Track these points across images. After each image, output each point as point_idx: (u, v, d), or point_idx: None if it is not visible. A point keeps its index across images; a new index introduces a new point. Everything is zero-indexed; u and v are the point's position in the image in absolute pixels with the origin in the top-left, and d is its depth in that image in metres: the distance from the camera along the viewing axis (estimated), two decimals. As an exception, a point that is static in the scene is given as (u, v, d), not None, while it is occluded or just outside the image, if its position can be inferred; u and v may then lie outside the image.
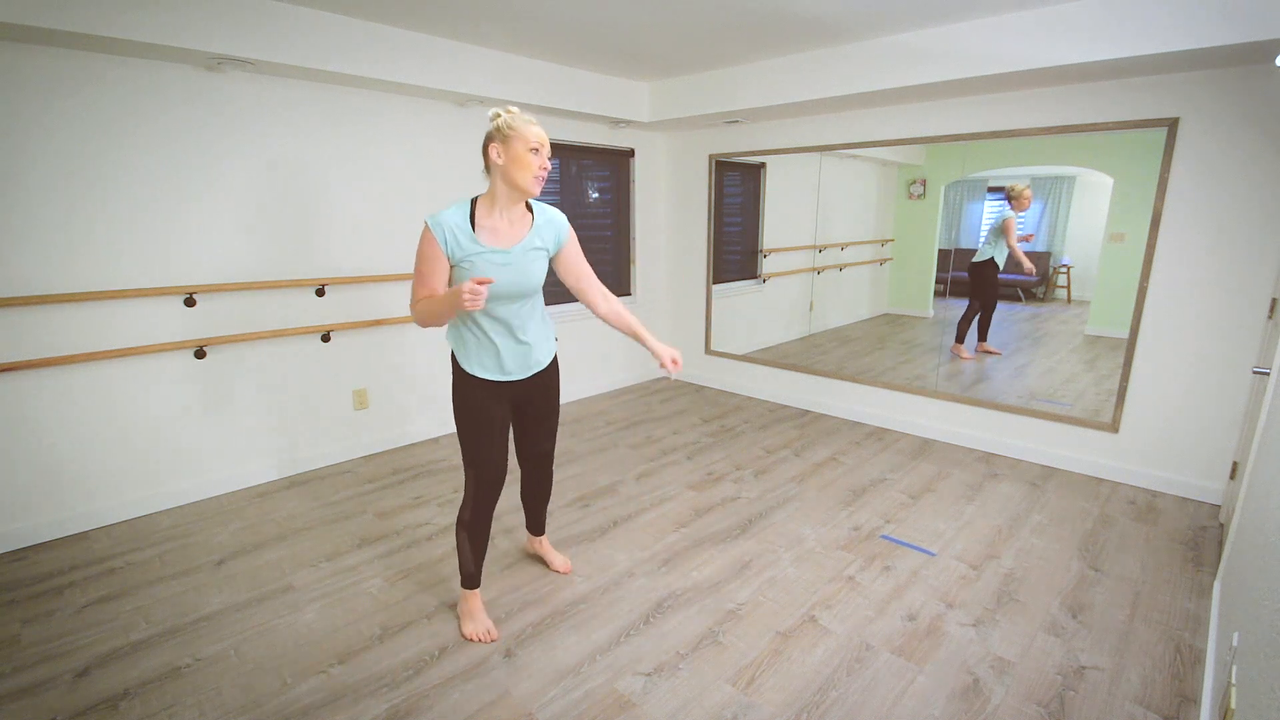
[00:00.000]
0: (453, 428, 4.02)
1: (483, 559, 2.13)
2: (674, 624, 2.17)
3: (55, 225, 2.59)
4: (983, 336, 4.11)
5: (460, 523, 2.07)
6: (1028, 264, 3.94)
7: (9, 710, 1.79)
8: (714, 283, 5.04)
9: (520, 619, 2.20)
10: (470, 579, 2.13)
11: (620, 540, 2.72)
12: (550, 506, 3.02)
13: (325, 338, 3.41)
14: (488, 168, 1.85)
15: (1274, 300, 2.70)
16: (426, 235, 1.81)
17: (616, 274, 5.04)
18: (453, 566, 2.51)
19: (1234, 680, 1.35)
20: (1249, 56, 2.58)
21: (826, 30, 3.15)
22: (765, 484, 3.28)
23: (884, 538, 2.73)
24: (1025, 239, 3.96)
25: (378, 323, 3.57)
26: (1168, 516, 2.94)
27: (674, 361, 2.01)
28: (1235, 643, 1.49)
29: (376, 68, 3.09)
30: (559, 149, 4.42)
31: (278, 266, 3.20)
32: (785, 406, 4.63)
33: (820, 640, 2.08)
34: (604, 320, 2.13)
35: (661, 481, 3.31)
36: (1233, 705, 1.26)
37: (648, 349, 2.06)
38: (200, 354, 3.00)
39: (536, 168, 1.81)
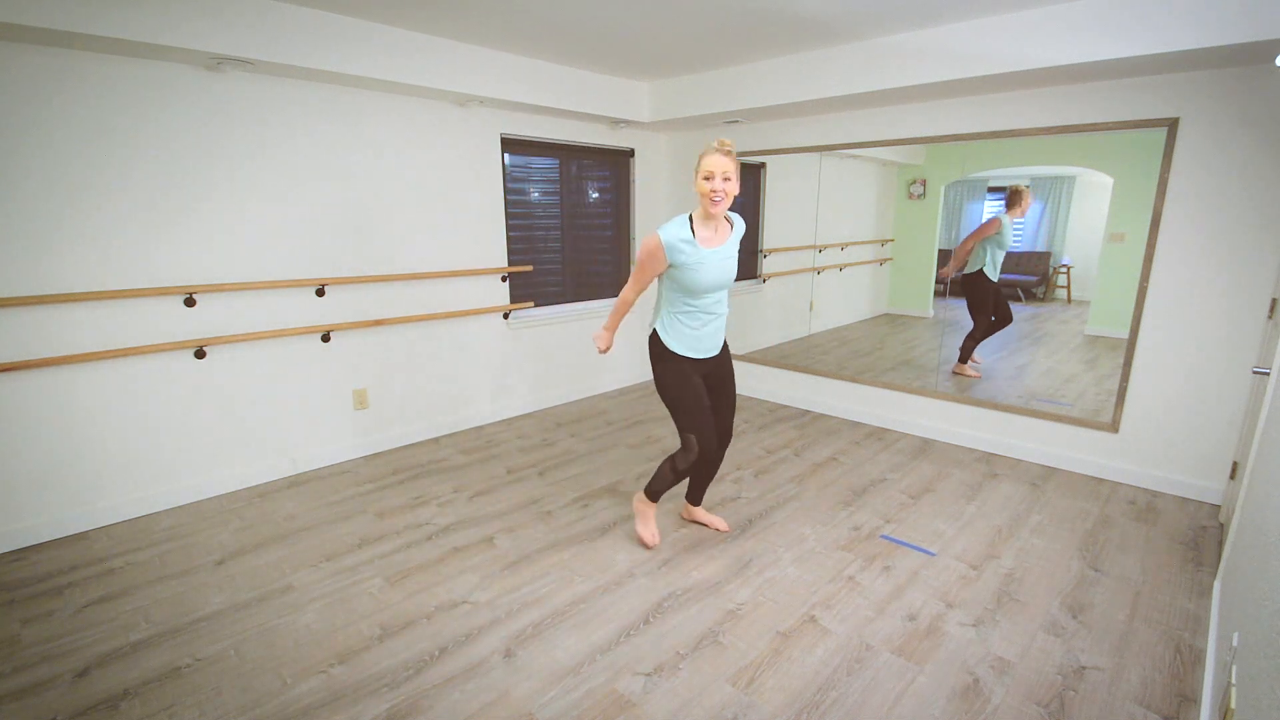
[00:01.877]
0: (451, 429, 4.06)
1: None
2: (674, 624, 2.17)
3: (55, 225, 2.59)
4: (963, 358, 3.99)
5: (674, 468, 2.50)
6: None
7: (9, 710, 1.79)
8: (714, 283, 5.03)
9: (520, 619, 2.20)
10: (657, 496, 2.60)
11: (620, 540, 2.72)
12: (550, 506, 3.03)
13: (325, 338, 3.41)
14: None
15: (1274, 300, 2.70)
16: (657, 242, 2.23)
17: (616, 274, 5.03)
18: (453, 567, 2.52)
19: (1234, 680, 1.35)
20: (1249, 56, 2.58)
21: (826, 30, 3.15)
22: (765, 484, 3.28)
23: (884, 538, 2.73)
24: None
25: (378, 323, 3.57)
26: (1168, 516, 2.94)
27: None
28: (1235, 643, 1.49)
29: (376, 68, 3.10)
30: (558, 149, 4.42)
31: (277, 266, 3.20)
32: (785, 406, 4.63)
33: (820, 640, 2.08)
34: None
35: (661, 481, 3.30)
36: (1233, 705, 1.26)
37: None
38: (200, 354, 3.00)
39: (708, 191, 2.21)
